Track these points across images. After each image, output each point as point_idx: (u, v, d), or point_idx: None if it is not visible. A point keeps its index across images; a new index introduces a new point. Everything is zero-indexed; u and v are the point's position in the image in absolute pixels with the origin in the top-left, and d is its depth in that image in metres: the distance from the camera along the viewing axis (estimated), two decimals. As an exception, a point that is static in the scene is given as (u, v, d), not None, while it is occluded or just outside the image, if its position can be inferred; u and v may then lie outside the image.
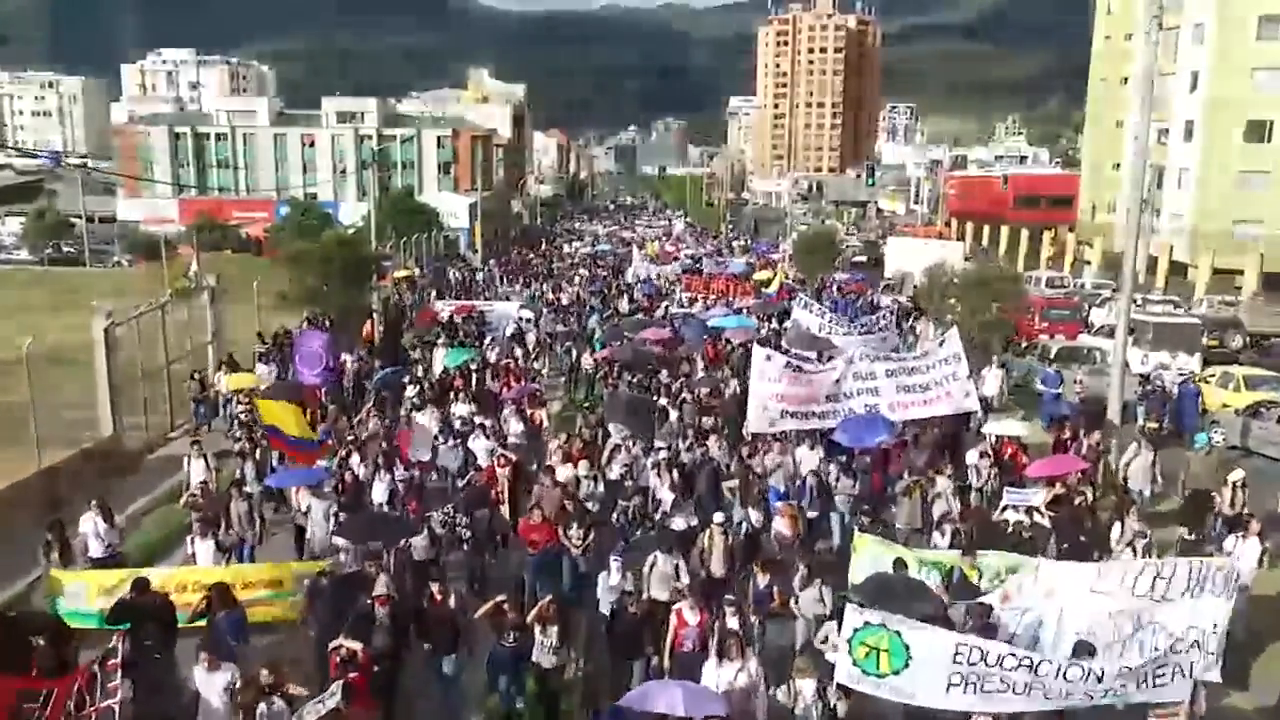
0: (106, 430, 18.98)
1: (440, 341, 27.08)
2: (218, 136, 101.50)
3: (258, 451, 16.60)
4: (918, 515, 14.68)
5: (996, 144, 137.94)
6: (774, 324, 31.24)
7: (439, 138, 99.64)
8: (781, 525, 13.95)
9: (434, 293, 41.88)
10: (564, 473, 15.49)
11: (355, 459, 16.17)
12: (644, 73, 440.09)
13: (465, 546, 14.06)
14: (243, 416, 19.16)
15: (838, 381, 17.49)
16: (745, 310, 33.59)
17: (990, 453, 17.12)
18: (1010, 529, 13.77)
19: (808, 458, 16.37)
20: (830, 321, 25.56)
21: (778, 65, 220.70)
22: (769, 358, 17.84)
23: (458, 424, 18.49)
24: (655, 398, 20.95)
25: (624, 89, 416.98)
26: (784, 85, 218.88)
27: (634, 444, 16.92)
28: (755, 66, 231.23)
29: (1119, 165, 63.28)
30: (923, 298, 33.25)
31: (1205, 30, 53.09)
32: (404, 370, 23.32)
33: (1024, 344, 29.91)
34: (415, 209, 58.11)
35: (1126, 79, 62.55)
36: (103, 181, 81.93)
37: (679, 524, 13.90)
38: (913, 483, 15.12)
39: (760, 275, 45.69)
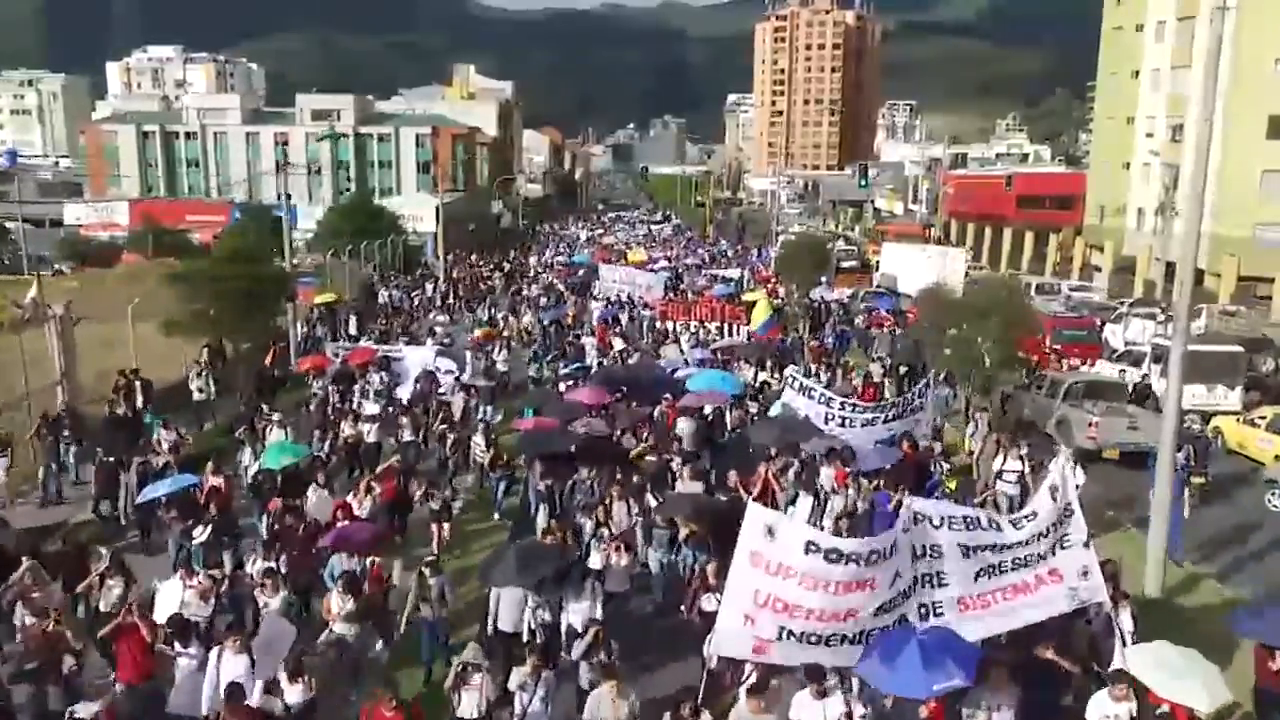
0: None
1: (277, 419, 18.51)
2: (188, 135, 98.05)
3: None
4: None
5: (997, 141, 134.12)
6: (767, 374, 24.57)
7: (418, 136, 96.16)
8: None
9: (353, 321, 33.15)
10: None
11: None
12: (642, 71, 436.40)
13: None
14: None
15: (898, 576, 9.79)
16: (726, 356, 26.35)
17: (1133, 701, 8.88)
18: None
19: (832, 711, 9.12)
20: (840, 409, 18.10)
21: (775, 62, 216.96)
22: (771, 530, 9.48)
23: (267, 599, 11.13)
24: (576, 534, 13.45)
25: (622, 87, 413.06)
26: (782, 82, 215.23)
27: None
28: (753, 63, 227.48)
29: (1129, 164, 59.49)
30: (921, 310, 28.96)
31: (1224, 19, 49.14)
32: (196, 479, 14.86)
33: (1035, 375, 25.17)
34: (374, 213, 54.03)
35: (1137, 72, 58.71)
36: (61, 183, 78.21)
37: None
38: None
39: (751, 296, 38.01)
